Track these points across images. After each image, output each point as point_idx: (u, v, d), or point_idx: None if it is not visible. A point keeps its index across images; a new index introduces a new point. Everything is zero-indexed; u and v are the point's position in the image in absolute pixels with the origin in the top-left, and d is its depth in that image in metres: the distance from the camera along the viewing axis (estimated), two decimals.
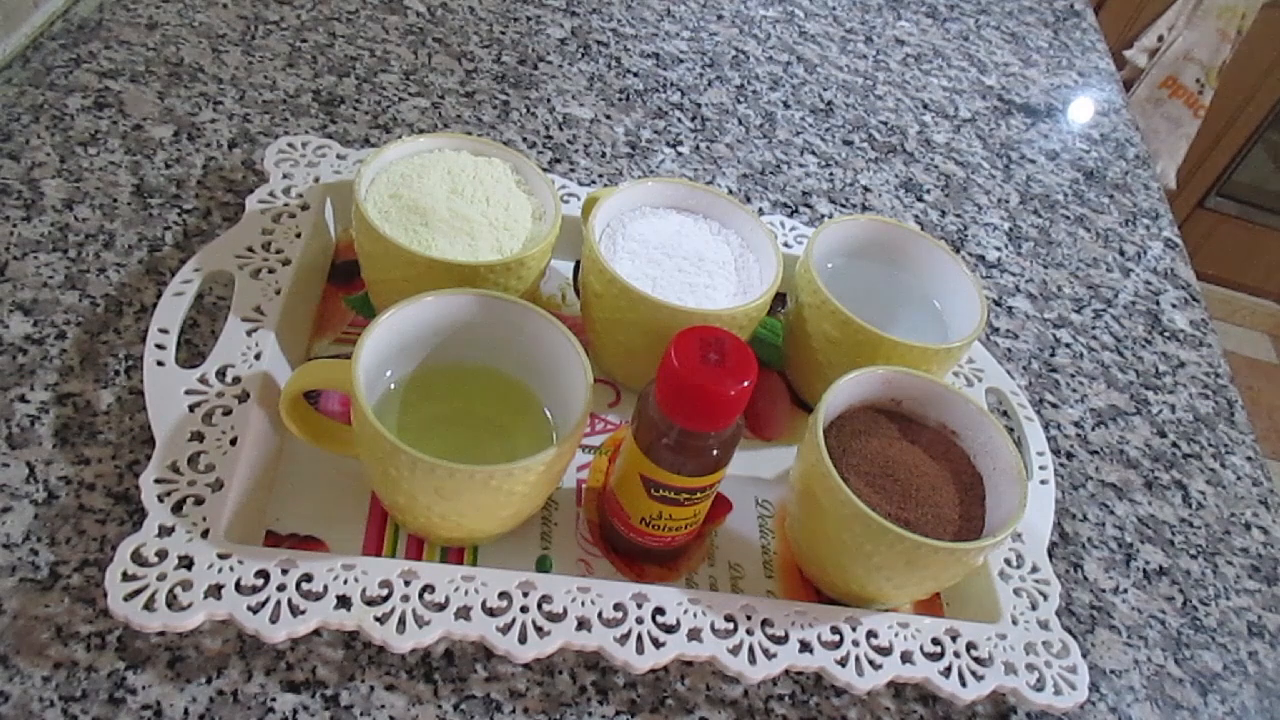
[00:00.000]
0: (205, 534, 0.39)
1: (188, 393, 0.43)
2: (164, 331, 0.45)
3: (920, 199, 0.77)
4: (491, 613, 0.40)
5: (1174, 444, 0.65)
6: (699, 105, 0.78)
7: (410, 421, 0.44)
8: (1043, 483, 0.54)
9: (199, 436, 0.42)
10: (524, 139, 0.69)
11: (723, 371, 0.39)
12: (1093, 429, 0.63)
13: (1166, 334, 0.74)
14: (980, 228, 0.77)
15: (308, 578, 0.39)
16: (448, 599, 0.40)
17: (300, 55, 0.68)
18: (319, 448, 0.44)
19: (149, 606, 0.37)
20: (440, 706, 0.40)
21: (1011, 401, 0.58)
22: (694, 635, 0.42)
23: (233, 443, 0.42)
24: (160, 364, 0.44)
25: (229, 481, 0.41)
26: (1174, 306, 0.76)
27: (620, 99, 0.76)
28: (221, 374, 0.44)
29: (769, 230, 0.53)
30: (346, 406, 0.47)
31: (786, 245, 0.62)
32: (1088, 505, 0.58)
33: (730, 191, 0.71)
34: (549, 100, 0.73)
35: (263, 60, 0.67)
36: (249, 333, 0.46)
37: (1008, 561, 0.49)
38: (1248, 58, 1.77)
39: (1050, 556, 0.52)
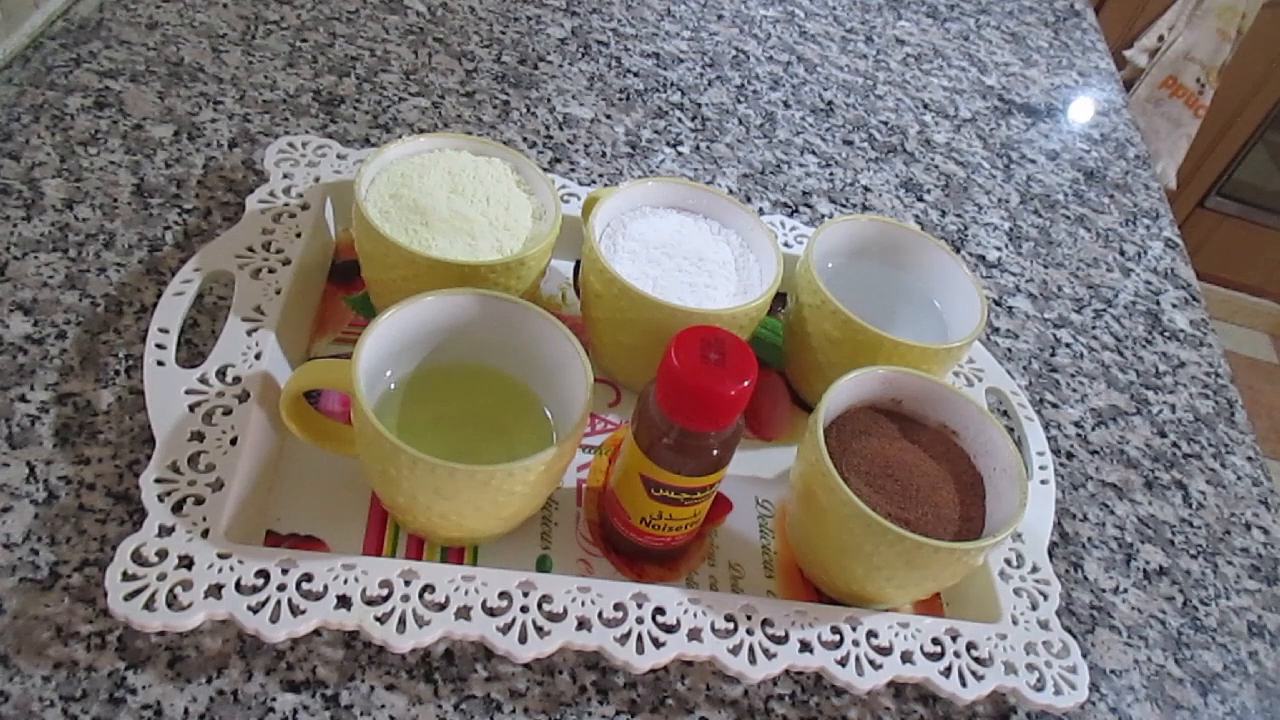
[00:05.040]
0: (205, 534, 0.39)
1: (188, 392, 0.43)
2: (164, 331, 0.45)
3: (920, 199, 0.77)
4: (491, 613, 0.40)
5: (1174, 444, 0.65)
6: (699, 105, 0.78)
7: (410, 421, 0.44)
8: (1043, 483, 0.54)
9: (199, 436, 0.42)
10: (524, 139, 0.69)
11: (723, 371, 0.39)
12: (1093, 429, 0.63)
13: (1167, 334, 0.74)
14: (980, 228, 0.77)
15: (308, 577, 0.39)
16: (448, 599, 0.40)
17: (300, 55, 0.68)
18: (319, 448, 0.44)
19: (149, 606, 0.37)
20: (440, 706, 0.40)
21: (1011, 401, 0.58)
22: (694, 635, 0.42)
23: (233, 442, 0.42)
24: (160, 364, 0.44)
25: (229, 481, 0.41)
26: (1174, 306, 0.76)
27: (620, 99, 0.75)
28: (222, 374, 0.44)
29: (769, 230, 0.53)
30: (346, 406, 0.47)
31: (786, 245, 0.62)
32: (1088, 505, 0.58)
33: (730, 191, 0.71)
34: (549, 100, 0.73)
35: (263, 60, 0.67)
36: (249, 332, 0.46)
37: (1008, 561, 0.49)
38: (1248, 58, 1.77)
39: (1050, 556, 0.52)
